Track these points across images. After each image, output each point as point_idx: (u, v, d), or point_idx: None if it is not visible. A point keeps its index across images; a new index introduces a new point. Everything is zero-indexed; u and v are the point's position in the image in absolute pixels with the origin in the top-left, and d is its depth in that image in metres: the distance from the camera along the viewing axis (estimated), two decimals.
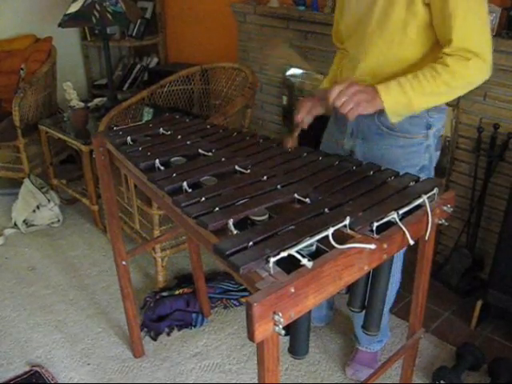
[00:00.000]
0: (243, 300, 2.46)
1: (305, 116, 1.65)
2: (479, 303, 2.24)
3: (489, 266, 2.31)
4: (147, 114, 2.84)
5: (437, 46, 1.47)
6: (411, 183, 1.31)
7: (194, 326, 2.34)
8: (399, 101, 1.40)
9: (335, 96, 1.38)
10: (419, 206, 1.22)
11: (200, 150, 1.54)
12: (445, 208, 1.26)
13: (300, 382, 2.05)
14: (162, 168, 1.44)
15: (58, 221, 3.17)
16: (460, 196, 2.46)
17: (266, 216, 1.17)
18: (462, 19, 1.36)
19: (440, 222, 1.27)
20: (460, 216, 2.50)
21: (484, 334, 2.27)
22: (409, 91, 1.39)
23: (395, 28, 1.46)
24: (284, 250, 0.98)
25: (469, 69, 1.39)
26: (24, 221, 3.09)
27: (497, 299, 2.16)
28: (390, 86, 1.40)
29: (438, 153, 1.72)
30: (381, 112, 1.47)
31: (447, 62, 1.39)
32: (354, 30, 1.58)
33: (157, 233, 2.41)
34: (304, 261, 0.97)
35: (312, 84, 3.01)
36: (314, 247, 1.06)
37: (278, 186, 1.29)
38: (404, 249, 1.76)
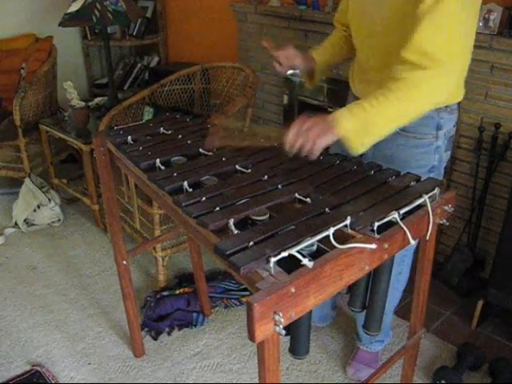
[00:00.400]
0: (244, 299, 2.46)
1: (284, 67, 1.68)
2: (480, 303, 2.24)
3: (490, 266, 2.31)
4: (148, 114, 2.84)
5: None
6: (412, 183, 1.31)
7: (195, 326, 2.34)
8: (355, 124, 1.30)
9: (291, 140, 1.30)
10: (420, 206, 1.22)
11: (201, 150, 1.54)
12: (446, 208, 1.26)
13: (301, 381, 2.05)
14: (163, 167, 1.44)
15: (59, 220, 3.17)
16: (461, 195, 2.46)
17: (267, 216, 1.16)
18: (428, 23, 1.28)
19: (441, 221, 1.27)
20: (461, 215, 2.50)
21: (485, 334, 2.27)
22: (358, 113, 1.30)
23: (395, 19, 1.42)
24: (285, 250, 0.98)
25: (425, 78, 1.30)
26: (25, 220, 3.09)
27: (498, 299, 2.16)
28: (341, 111, 1.32)
29: (449, 153, 1.69)
30: None
31: (399, 74, 1.31)
32: (363, 22, 1.56)
33: (157, 232, 2.41)
34: (305, 261, 0.97)
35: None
36: (314, 247, 1.05)
37: (279, 186, 1.28)
38: (413, 249, 1.76)
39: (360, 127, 1.30)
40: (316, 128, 1.29)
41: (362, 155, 1.66)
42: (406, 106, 1.32)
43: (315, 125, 1.29)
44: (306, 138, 1.28)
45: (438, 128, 1.58)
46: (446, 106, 1.54)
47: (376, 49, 1.52)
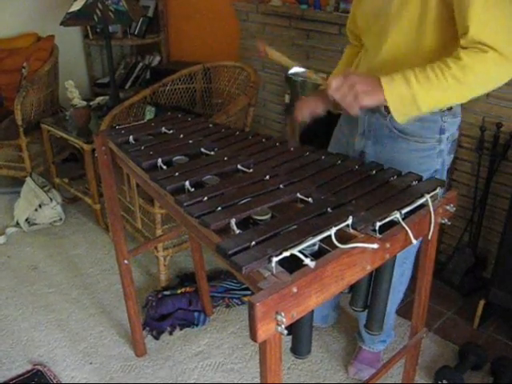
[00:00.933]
0: (245, 299, 2.46)
1: (305, 115, 1.64)
2: (482, 302, 2.23)
3: (491, 265, 2.31)
4: (149, 113, 2.84)
5: (454, 41, 1.37)
6: (414, 182, 1.30)
7: (196, 325, 2.34)
8: (403, 94, 1.29)
9: (334, 88, 1.30)
10: (422, 206, 1.21)
11: (202, 149, 1.54)
12: (447, 207, 1.26)
13: (302, 381, 2.05)
14: (165, 167, 1.44)
15: (60, 219, 3.17)
16: (463, 195, 2.45)
17: (269, 215, 1.16)
18: (481, 9, 1.24)
19: (443, 221, 1.27)
20: (462, 215, 2.50)
21: (487, 334, 2.27)
22: (414, 84, 1.28)
23: (411, 22, 1.39)
24: (286, 250, 0.98)
25: (484, 63, 1.26)
26: (26, 219, 3.09)
27: (499, 298, 2.16)
28: (393, 77, 1.29)
29: (452, 156, 1.67)
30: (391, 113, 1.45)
31: (460, 55, 1.27)
32: (372, 23, 1.53)
33: (159, 232, 2.41)
34: (307, 260, 0.97)
35: (314, 83, 3.00)
36: (316, 247, 1.05)
37: (281, 186, 1.28)
38: (415, 251, 1.76)
39: (409, 97, 1.29)
40: (361, 85, 1.28)
41: (363, 154, 1.67)
42: (457, 88, 1.30)
43: (361, 83, 1.29)
44: (349, 91, 1.28)
45: (441, 132, 1.55)
46: (450, 108, 1.51)
47: (384, 42, 1.48)
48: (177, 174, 1.37)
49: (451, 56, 1.30)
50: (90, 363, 2.16)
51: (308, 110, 1.65)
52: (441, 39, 1.40)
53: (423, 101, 1.30)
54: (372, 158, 1.61)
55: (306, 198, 1.22)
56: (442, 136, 1.56)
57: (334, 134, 1.85)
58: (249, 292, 2.45)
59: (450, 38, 1.38)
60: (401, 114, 1.34)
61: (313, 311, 1.05)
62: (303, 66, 1.45)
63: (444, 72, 1.27)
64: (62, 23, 3.04)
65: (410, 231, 1.14)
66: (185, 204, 1.21)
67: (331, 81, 1.30)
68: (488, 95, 2.24)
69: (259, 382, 1.05)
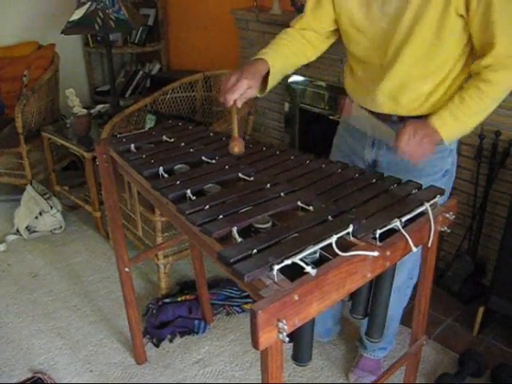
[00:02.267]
0: (246, 307, 2.46)
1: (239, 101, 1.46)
2: (481, 310, 2.24)
3: (491, 273, 2.31)
4: (150, 121, 2.85)
5: (466, 57, 1.48)
6: (414, 191, 1.31)
7: (197, 333, 2.34)
8: (455, 129, 1.45)
9: (404, 143, 1.39)
10: (422, 214, 1.22)
11: (203, 158, 1.54)
12: (447, 215, 1.27)
13: None
14: (166, 175, 1.45)
15: (61, 227, 3.18)
16: (462, 203, 2.46)
17: (270, 224, 1.17)
18: (507, 25, 1.33)
19: (442, 229, 1.28)
20: (462, 222, 2.51)
21: (486, 341, 2.27)
22: (461, 117, 1.42)
23: (425, 40, 1.41)
24: (288, 258, 0.99)
25: (509, 77, 1.40)
26: (26, 227, 3.09)
27: (499, 306, 2.16)
28: (444, 119, 1.42)
29: (457, 156, 1.72)
30: (403, 120, 1.52)
31: (489, 77, 1.38)
32: (379, 40, 1.49)
33: (159, 239, 2.41)
34: (308, 268, 0.98)
35: (314, 91, 3.02)
36: (317, 255, 1.06)
37: (282, 194, 1.29)
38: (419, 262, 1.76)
39: (460, 130, 1.47)
40: (427, 136, 1.40)
41: (375, 163, 1.68)
42: (493, 105, 1.45)
43: (426, 133, 1.40)
44: (420, 147, 1.40)
45: None
46: None
47: (396, 61, 1.48)
48: (178, 182, 1.38)
49: (480, 80, 1.40)
50: (91, 371, 2.16)
51: (241, 94, 1.45)
52: (451, 59, 1.47)
53: (471, 126, 1.47)
54: (386, 166, 1.63)
55: (306, 207, 1.23)
56: None
57: (335, 143, 1.85)
58: (249, 300, 2.46)
59: (460, 57, 1.47)
60: (449, 141, 1.49)
61: (314, 319, 1.06)
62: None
63: (483, 98, 1.41)
64: (63, 32, 3.06)
65: (409, 239, 1.15)
66: (187, 212, 1.22)
67: (402, 137, 1.39)
68: None
69: None
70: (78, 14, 3.01)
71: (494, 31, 1.33)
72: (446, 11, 1.36)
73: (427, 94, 1.51)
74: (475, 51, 1.45)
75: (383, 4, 1.43)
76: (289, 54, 1.67)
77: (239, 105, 1.47)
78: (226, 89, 1.45)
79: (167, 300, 2.45)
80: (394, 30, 1.44)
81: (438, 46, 1.42)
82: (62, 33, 3.05)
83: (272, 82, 1.58)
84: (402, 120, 1.55)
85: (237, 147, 1.49)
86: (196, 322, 2.36)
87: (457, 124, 1.43)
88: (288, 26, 1.76)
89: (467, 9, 1.35)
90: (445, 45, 1.42)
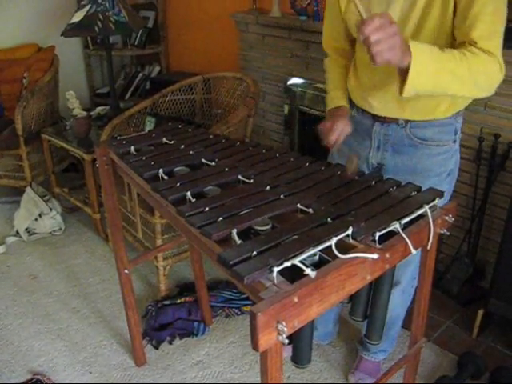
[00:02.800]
0: (245, 309, 2.46)
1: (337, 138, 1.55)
2: (481, 312, 2.24)
3: (490, 275, 2.31)
4: (149, 124, 2.85)
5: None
6: (413, 193, 1.32)
7: (196, 335, 2.34)
8: (427, 66, 1.23)
9: (372, 29, 1.12)
10: (421, 216, 1.23)
11: (203, 160, 1.55)
12: (446, 218, 1.27)
13: None
14: (166, 177, 1.45)
15: (60, 229, 3.18)
16: (461, 205, 2.47)
17: (269, 226, 1.17)
18: (489, 20, 1.31)
19: (442, 231, 1.28)
20: (461, 225, 2.51)
21: (486, 343, 2.27)
22: (436, 61, 1.25)
23: (429, 37, 1.41)
24: (287, 260, 0.99)
25: (491, 63, 1.32)
26: (26, 229, 3.10)
27: (498, 308, 2.17)
28: (422, 47, 1.23)
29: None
30: (409, 123, 1.53)
31: (473, 50, 1.31)
32: None
33: (159, 241, 2.42)
34: (307, 270, 0.98)
35: (313, 93, 3.02)
36: (317, 257, 1.06)
37: (281, 196, 1.29)
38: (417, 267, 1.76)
39: (428, 74, 1.25)
40: (399, 40, 1.16)
41: (381, 166, 1.67)
42: (468, 80, 1.32)
43: (399, 37, 1.16)
44: (387, 39, 1.14)
45: (455, 132, 1.61)
46: (465, 109, 1.58)
47: None
48: (178, 184, 1.38)
49: (463, 47, 1.33)
50: (90, 372, 2.16)
51: (340, 134, 1.55)
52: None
53: (440, 81, 1.29)
54: (391, 169, 1.64)
55: (306, 209, 1.23)
56: (456, 136, 1.62)
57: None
58: (248, 302, 2.46)
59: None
60: (412, 88, 1.25)
61: (313, 321, 1.06)
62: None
63: (462, 60, 1.28)
64: (63, 34, 3.06)
65: (409, 241, 1.15)
66: (186, 214, 1.22)
67: (371, 20, 1.12)
68: (486, 106, 2.26)
69: None
70: (77, 17, 3.01)
71: (475, 24, 1.31)
72: (444, 13, 1.37)
73: (432, 98, 1.50)
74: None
75: (387, 9, 1.44)
76: (344, 87, 1.75)
77: (341, 139, 1.56)
78: (325, 132, 1.56)
79: (167, 302, 2.46)
80: (401, 31, 1.43)
81: (440, 45, 1.41)
82: (61, 35, 3.06)
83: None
84: (408, 123, 1.57)
85: (350, 171, 1.44)
86: (195, 323, 2.36)
87: (430, 64, 1.23)
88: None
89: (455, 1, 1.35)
90: (444, 43, 1.42)
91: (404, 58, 1.19)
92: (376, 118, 1.63)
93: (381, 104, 1.59)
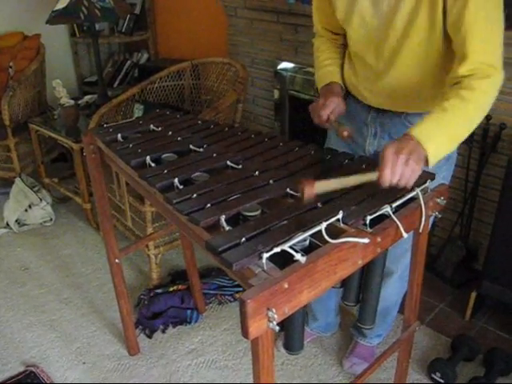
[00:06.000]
0: (238, 296, 2.45)
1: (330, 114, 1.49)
2: (473, 294, 2.24)
3: (482, 258, 2.32)
4: (138, 111, 2.82)
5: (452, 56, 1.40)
6: None
7: (189, 323, 2.33)
8: (441, 142, 1.26)
9: (390, 177, 1.16)
10: (413, 199, 1.21)
11: (191, 146, 1.53)
12: (438, 200, 1.26)
13: (296, 376, 2.05)
14: (153, 165, 1.43)
15: (51, 220, 3.15)
16: (453, 188, 2.46)
17: (259, 211, 1.16)
18: (482, 31, 1.26)
19: (434, 214, 1.27)
20: (453, 207, 2.51)
21: (479, 325, 2.27)
22: (446, 128, 1.26)
23: (420, 41, 1.38)
24: (277, 246, 0.98)
25: (489, 87, 1.30)
26: (16, 220, 3.07)
27: (491, 290, 2.17)
28: (428, 130, 1.24)
29: None
30: (408, 113, 1.51)
31: (471, 84, 1.27)
32: (373, 38, 1.46)
33: (150, 230, 2.40)
34: (297, 256, 0.96)
35: (303, 77, 3.00)
36: (307, 242, 1.05)
37: (270, 181, 1.28)
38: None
39: (446, 143, 1.28)
40: (413, 157, 1.18)
41: (377, 154, 1.65)
42: (479, 114, 1.31)
43: (411, 154, 1.18)
44: (406, 172, 1.17)
45: None
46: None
47: (393, 60, 1.46)
48: (166, 171, 1.36)
49: (462, 88, 1.28)
50: (83, 363, 2.15)
51: (332, 109, 1.50)
52: (443, 57, 1.41)
53: (457, 141, 1.32)
54: None
55: (295, 194, 1.22)
56: None
57: (332, 132, 1.82)
58: (241, 289, 2.45)
59: (449, 55, 1.40)
60: (434, 161, 1.27)
61: (305, 307, 1.05)
62: None
63: (466, 105, 1.27)
64: (48, 21, 3.01)
65: (400, 225, 1.14)
66: (174, 201, 1.20)
67: (384, 173, 1.16)
68: None
69: (252, 378, 1.05)
70: (62, 3, 2.96)
71: (467, 36, 1.27)
72: (433, 9, 1.32)
73: (424, 91, 1.48)
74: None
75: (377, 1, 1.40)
76: (338, 68, 1.69)
77: (333, 118, 1.50)
78: (317, 108, 1.50)
79: (159, 290, 2.44)
80: (387, 29, 1.41)
81: (432, 45, 1.39)
82: (46, 22, 3.01)
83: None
84: (400, 114, 1.55)
85: (346, 131, 1.46)
86: (188, 311, 2.35)
87: (442, 136, 1.25)
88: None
89: (444, 5, 1.30)
90: (437, 41, 1.39)
91: (424, 157, 1.22)
92: (371, 108, 1.61)
93: (374, 97, 1.57)
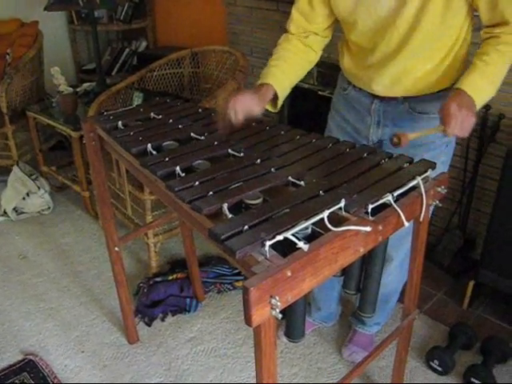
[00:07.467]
0: (237, 284, 2.46)
1: (239, 116, 1.46)
2: (471, 283, 2.25)
3: (480, 247, 2.32)
4: (137, 99, 2.81)
5: (466, 33, 1.48)
6: (405, 165, 1.30)
7: (188, 311, 2.34)
8: (485, 93, 1.40)
9: (457, 129, 1.31)
10: (413, 188, 1.21)
11: (192, 134, 1.52)
12: (439, 189, 1.26)
13: (295, 364, 2.06)
14: (155, 152, 1.42)
15: (49, 208, 3.15)
16: (452, 177, 2.46)
17: (261, 199, 1.16)
18: None
19: (434, 203, 1.27)
20: (452, 197, 2.51)
21: (476, 314, 2.29)
22: (489, 79, 1.40)
23: (432, 28, 1.40)
24: (279, 234, 0.98)
25: None
26: (14, 208, 3.06)
27: (488, 279, 2.18)
28: (476, 83, 1.38)
29: None
30: (409, 98, 1.54)
31: (508, 40, 1.39)
32: (380, 29, 1.46)
33: (149, 218, 2.40)
34: (300, 244, 0.96)
35: None
36: (309, 230, 1.05)
37: (272, 169, 1.28)
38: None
39: (489, 92, 1.41)
40: (469, 110, 1.31)
41: (381, 142, 1.68)
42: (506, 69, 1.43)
43: (467, 108, 1.31)
44: (466, 122, 1.31)
45: None
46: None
47: (401, 47, 1.47)
48: (167, 159, 1.36)
49: (496, 42, 1.40)
50: (83, 351, 2.16)
51: (243, 111, 1.46)
52: (454, 38, 1.46)
53: (494, 91, 1.43)
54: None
55: (297, 182, 1.21)
56: None
57: (333, 121, 1.81)
58: (240, 277, 2.46)
59: (461, 35, 1.47)
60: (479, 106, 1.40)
61: (307, 295, 1.05)
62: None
63: (504, 59, 1.40)
64: (46, 8, 2.99)
65: (401, 213, 1.14)
66: (176, 189, 1.20)
67: (449, 125, 1.31)
68: None
69: (253, 366, 1.05)
70: None
71: (503, 11, 1.35)
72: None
73: (430, 73, 1.50)
74: (483, 24, 1.44)
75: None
76: (297, 68, 1.72)
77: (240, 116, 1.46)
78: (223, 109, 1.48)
79: (158, 279, 2.45)
80: (395, 19, 1.41)
81: (443, 30, 1.42)
82: (44, 9, 2.99)
83: (281, 100, 1.67)
84: (407, 99, 1.56)
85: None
86: (187, 300, 2.35)
87: (488, 87, 1.40)
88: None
89: None
90: (449, 28, 1.42)
91: (474, 107, 1.36)
92: (375, 96, 1.61)
93: (378, 85, 1.57)
